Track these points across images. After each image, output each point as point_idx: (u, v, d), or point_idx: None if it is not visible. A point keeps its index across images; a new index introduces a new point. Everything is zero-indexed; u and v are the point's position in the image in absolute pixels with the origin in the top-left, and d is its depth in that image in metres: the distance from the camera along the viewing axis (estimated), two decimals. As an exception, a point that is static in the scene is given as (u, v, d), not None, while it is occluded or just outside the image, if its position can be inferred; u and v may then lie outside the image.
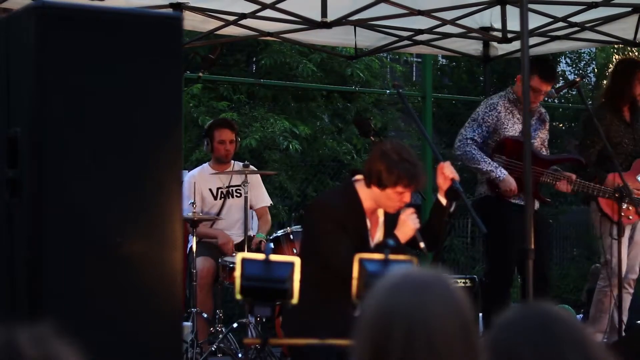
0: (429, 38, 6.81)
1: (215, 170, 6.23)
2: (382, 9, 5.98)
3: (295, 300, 2.95)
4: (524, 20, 4.41)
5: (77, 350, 1.43)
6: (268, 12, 6.07)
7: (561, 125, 13.13)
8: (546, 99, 6.00)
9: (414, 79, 14.96)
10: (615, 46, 12.63)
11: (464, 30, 6.57)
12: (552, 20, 6.38)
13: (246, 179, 5.78)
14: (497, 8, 6.31)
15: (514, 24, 6.24)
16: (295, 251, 5.72)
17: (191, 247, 5.71)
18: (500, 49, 7.07)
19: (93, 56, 3.26)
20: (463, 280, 5.69)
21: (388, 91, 10.42)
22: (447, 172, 4.05)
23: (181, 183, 3.61)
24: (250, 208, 6.11)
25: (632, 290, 5.92)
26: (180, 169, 3.50)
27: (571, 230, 13.46)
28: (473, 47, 7.19)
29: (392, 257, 2.92)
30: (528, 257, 4.24)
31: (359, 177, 4.13)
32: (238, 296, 2.97)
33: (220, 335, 5.65)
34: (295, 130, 9.71)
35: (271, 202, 6.60)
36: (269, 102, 10.51)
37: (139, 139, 3.33)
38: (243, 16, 6.19)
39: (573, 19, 6.36)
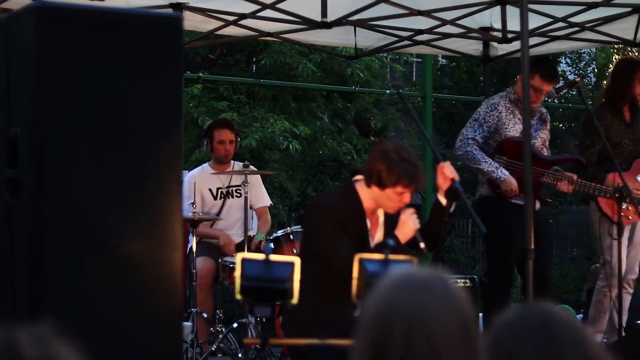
0: (429, 38, 6.81)
1: (215, 171, 6.23)
2: (382, 9, 5.98)
3: (295, 300, 2.95)
4: (524, 20, 4.42)
5: (77, 350, 1.43)
6: (268, 12, 6.07)
7: (561, 125, 13.13)
8: (546, 99, 6.00)
9: (414, 79, 14.96)
10: (615, 46, 12.64)
11: (464, 31, 6.57)
12: (552, 20, 6.38)
13: (246, 179, 5.78)
14: (497, 8, 6.31)
15: (514, 24, 6.24)
16: (295, 251, 5.72)
17: (191, 247, 5.71)
18: (500, 49, 7.07)
19: (93, 56, 3.26)
20: (463, 280, 5.69)
21: (388, 91, 10.42)
22: (447, 172, 4.05)
23: (181, 183, 3.61)
24: (250, 208, 6.12)
25: (631, 290, 5.92)
26: (180, 169, 3.50)
27: (571, 230, 13.46)
28: (473, 47, 7.19)
29: (392, 257, 2.92)
30: (528, 257, 4.24)
31: (359, 177, 4.13)
32: (238, 296, 2.97)
33: (220, 335, 5.65)
34: (295, 130, 9.71)
35: (271, 202, 6.60)
36: (269, 102, 10.51)
37: (139, 139, 3.33)
38: (243, 16, 6.19)
39: (573, 19, 6.36)
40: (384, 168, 3.94)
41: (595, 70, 14.68)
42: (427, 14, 6.09)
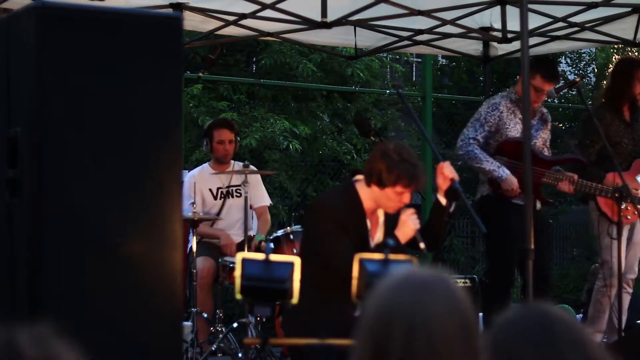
0: (429, 38, 6.81)
1: (215, 170, 6.23)
2: (382, 9, 5.98)
3: (295, 300, 2.95)
4: (524, 20, 4.42)
5: (77, 350, 1.43)
6: (268, 12, 6.07)
7: (561, 125, 13.12)
8: (546, 98, 6.00)
9: (414, 79, 14.96)
10: (615, 46, 12.64)
11: (464, 30, 6.57)
12: (552, 20, 6.38)
13: (246, 179, 5.78)
14: (497, 8, 6.31)
15: (514, 24, 6.24)
16: (295, 251, 5.72)
17: (191, 247, 5.71)
18: (500, 49, 7.07)
19: (93, 56, 3.26)
20: (463, 280, 5.69)
21: (388, 91, 10.42)
22: (447, 172, 4.05)
23: (181, 183, 3.61)
24: (250, 207, 6.12)
25: (631, 290, 5.91)
26: (180, 169, 3.50)
27: (571, 230, 13.46)
28: (473, 47, 7.19)
29: (392, 257, 2.92)
30: (528, 257, 4.24)
31: (359, 177, 4.13)
32: (238, 296, 2.97)
33: (220, 335, 5.65)
34: (295, 130, 9.71)
35: (271, 202, 6.60)
36: (269, 102, 10.51)
37: (139, 139, 3.33)
38: (243, 16, 6.19)
39: (573, 19, 6.36)
40: (384, 168, 3.95)
41: (595, 70, 14.68)
42: (427, 14, 6.09)
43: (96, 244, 3.23)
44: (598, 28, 6.52)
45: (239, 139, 6.43)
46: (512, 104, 5.69)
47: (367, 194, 4.07)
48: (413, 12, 6.01)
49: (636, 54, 11.23)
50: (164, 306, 3.32)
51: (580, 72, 14.38)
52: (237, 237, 6.10)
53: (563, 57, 14.28)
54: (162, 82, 3.36)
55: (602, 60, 14.24)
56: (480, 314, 5.44)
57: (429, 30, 6.57)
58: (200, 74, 6.18)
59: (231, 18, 6.22)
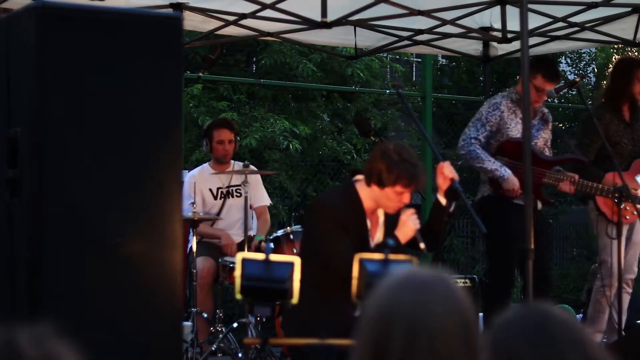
0: (429, 38, 6.81)
1: (215, 170, 6.23)
2: (382, 9, 5.98)
3: (295, 300, 2.95)
4: (524, 20, 4.42)
5: (77, 350, 1.43)
6: (268, 12, 6.07)
7: (561, 125, 13.13)
8: (546, 98, 6.00)
9: (414, 79, 14.96)
10: (615, 46, 12.64)
11: (463, 30, 6.57)
12: (552, 20, 6.38)
13: (246, 178, 5.78)
14: (497, 8, 6.31)
15: (514, 24, 6.24)
16: (295, 251, 5.71)
17: (191, 247, 5.72)
18: (500, 49, 7.07)
19: (93, 56, 3.26)
20: (463, 280, 5.69)
21: (388, 91, 10.42)
22: (447, 172, 4.05)
23: (181, 183, 3.61)
24: (250, 207, 6.12)
25: (630, 290, 5.91)
26: (180, 169, 3.50)
27: (571, 230, 13.46)
28: (473, 47, 7.19)
29: (392, 257, 2.92)
30: (528, 257, 4.24)
31: (359, 177, 4.13)
32: (238, 296, 2.97)
33: (220, 335, 5.65)
34: (295, 130, 9.71)
35: (270, 202, 6.60)
36: (269, 102, 10.51)
37: (139, 139, 3.33)
38: (243, 16, 6.19)
39: (573, 19, 6.36)
40: (384, 167, 3.95)
41: (595, 70, 14.69)
42: (427, 14, 6.09)
43: (96, 244, 3.23)
44: (598, 28, 6.52)
45: (238, 139, 6.43)
46: (513, 103, 5.69)
47: (367, 193, 4.07)
48: (413, 12, 6.01)
49: (636, 54, 11.23)
50: (164, 306, 3.32)
51: (580, 72, 14.39)
52: (237, 237, 6.10)
53: (563, 57, 14.28)
54: (162, 82, 3.36)
55: (602, 60, 14.25)
56: (480, 314, 5.45)
57: (429, 30, 6.57)
58: (200, 74, 6.18)
59: (231, 18, 6.22)
